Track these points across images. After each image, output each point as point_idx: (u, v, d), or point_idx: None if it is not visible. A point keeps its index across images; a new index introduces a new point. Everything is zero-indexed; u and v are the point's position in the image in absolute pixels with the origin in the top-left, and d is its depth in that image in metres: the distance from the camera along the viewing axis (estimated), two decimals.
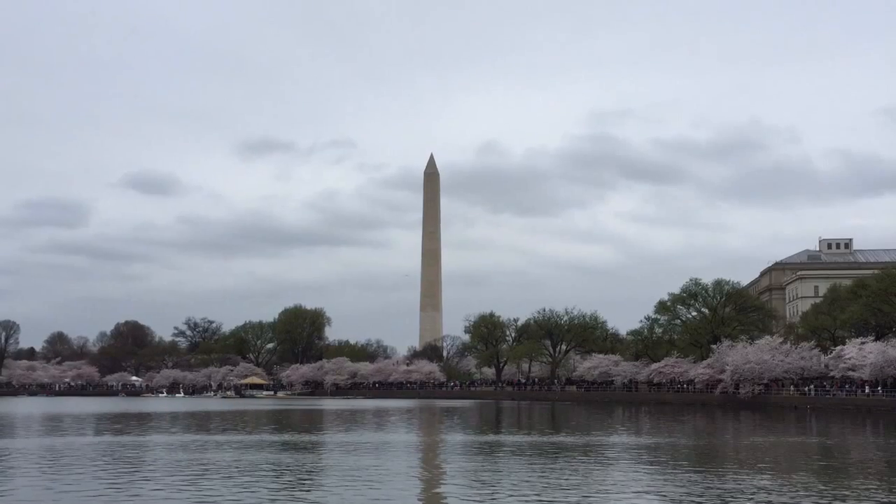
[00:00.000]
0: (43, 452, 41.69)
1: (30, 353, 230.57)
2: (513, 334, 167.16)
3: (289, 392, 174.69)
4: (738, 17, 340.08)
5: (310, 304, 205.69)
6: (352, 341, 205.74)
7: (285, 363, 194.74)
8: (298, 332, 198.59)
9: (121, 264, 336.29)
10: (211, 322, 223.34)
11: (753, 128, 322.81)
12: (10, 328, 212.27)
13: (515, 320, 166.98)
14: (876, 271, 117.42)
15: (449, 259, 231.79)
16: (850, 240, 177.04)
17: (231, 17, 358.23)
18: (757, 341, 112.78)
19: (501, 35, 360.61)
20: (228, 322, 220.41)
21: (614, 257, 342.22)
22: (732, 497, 25.65)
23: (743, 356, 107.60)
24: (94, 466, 34.60)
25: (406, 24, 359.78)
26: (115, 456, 39.57)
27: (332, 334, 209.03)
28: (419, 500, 26.83)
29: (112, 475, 31.37)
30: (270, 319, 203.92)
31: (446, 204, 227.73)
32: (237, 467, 33.85)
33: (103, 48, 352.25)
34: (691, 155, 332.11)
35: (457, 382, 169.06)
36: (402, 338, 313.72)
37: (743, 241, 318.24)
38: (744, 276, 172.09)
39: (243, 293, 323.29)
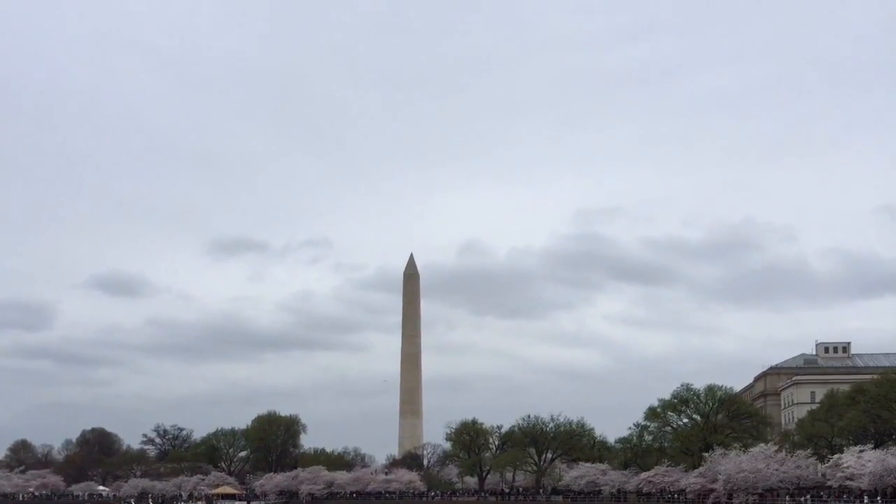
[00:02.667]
0: None
1: None
2: (496, 442, 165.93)
3: (262, 502, 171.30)
4: (732, 113, 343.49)
5: (284, 411, 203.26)
6: (328, 449, 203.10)
7: (259, 472, 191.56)
8: (272, 440, 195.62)
9: (87, 369, 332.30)
10: (181, 429, 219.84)
11: (747, 226, 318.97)
12: None
13: (499, 427, 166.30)
14: (875, 376, 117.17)
15: (430, 363, 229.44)
16: (849, 343, 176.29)
17: (201, 111, 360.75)
18: (751, 449, 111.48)
19: (484, 130, 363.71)
20: (199, 429, 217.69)
21: (602, 361, 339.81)
22: None
23: (736, 465, 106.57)
24: None
25: (384, 118, 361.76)
26: None
27: (308, 442, 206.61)
28: None
29: None
30: (243, 426, 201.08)
31: (427, 306, 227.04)
32: None
33: (68, 144, 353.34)
34: (683, 255, 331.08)
35: (438, 492, 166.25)
36: (381, 446, 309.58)
37: (736, 344, 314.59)
38: (737, 382, 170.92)
39: (215, 399, 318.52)
